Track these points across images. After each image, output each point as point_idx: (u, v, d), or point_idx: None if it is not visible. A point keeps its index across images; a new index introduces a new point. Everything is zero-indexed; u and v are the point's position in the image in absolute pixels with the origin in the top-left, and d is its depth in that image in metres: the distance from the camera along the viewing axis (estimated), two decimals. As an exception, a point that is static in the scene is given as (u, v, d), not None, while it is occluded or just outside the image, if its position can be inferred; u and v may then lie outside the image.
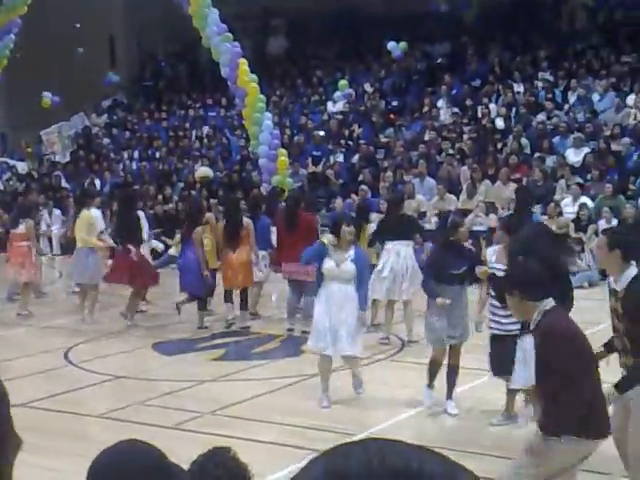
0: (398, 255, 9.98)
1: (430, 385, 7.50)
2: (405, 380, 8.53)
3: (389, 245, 10.09)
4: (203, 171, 19.10)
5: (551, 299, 4.56)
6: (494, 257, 7.10)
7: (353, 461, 0.83)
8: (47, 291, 14.15)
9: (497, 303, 6.69)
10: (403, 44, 21.17)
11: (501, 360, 6.88)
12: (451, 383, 7.41)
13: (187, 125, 23.23)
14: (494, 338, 6.98)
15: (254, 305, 11.70)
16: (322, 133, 19.76)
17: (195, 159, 20.74)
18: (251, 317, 11.49)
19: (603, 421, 4.44)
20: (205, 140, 22.11)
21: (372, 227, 11.48)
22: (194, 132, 22.73)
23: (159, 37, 27.02)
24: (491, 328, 7.00)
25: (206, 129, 22.55)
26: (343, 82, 21.37)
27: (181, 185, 19.57)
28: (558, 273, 4.92)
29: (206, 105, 24.02)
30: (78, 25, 24.45)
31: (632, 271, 4.96)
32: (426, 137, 18.74)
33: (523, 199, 9.32)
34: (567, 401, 4.35)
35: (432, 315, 7.33)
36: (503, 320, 6.80)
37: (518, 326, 6.57)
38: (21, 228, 12.32)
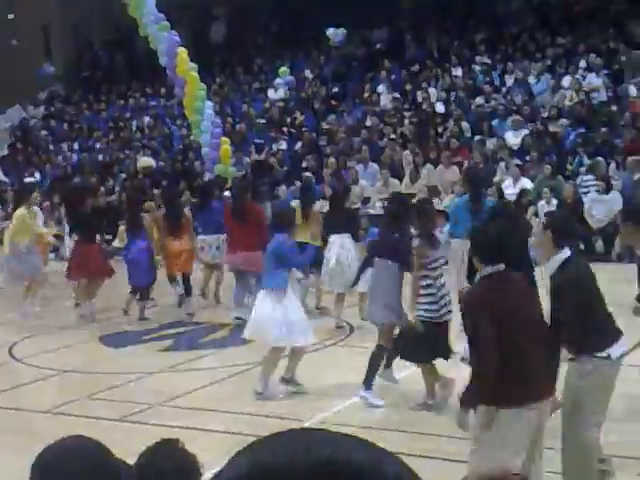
0: (342, 247, 10.11)
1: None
2: (354, 364, 8.58)
3: (332, 238, 10.23)
4: (145, 161, 18.93)
5: (500, 265, 4.56)
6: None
7: (279, 453, 0.82)
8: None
9: (423, 291, 6.78)
10: (342, 30, 21.20)
11: (417, 346, 6.86)
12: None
13: (127, 115, 22.96)
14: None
15: (217, 290, 11.98)
16: (263, 121, 19.73)
17: (137, 149, 20.52)
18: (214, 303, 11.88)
19: (531, 387, 4.45)
20: (146, 130, 21.88)
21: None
22: (134, 122, 22.48)
23: (95, 26, 26.60)
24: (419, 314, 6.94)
25: (147, 119, 22.30)
26: (283, 69, 21.33)
27: (123, 176, 19.36)
28: (513, 241, 4.96)
29: (146, 95, 23.75)
30: (12, 16, 23.92)
31: (562, 255, 4.94)
32: (368, 123, 18.83)
33: (475, 178, 9.42)
34: (485, 372, 4.39)
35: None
36: (427, 307, 6.86)
37: (442, 312, 6.71)
38: None
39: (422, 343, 6.79)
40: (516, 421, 4.42)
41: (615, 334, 4.93)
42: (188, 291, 11.46)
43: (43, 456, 1.90)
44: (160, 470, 2.68)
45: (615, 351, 4.85)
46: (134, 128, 22.22)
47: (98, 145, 21.83)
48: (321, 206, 15.89)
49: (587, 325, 4.72)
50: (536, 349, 4.46)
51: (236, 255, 10.53)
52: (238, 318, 10.46)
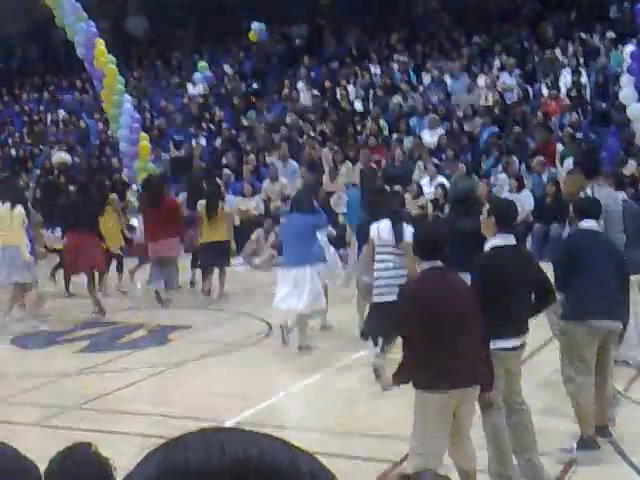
0: None
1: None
2: (271, 365, 8.64)
3: None
4: (60, 156, 18.52)
5: (436, 261, 4.76)
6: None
7: (191, 453, 0.81)
8: None
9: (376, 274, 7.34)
10: (262, 25, 21.16)
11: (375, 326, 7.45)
12: None
13: (41, 108, 22.44)
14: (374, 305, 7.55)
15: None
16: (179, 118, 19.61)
17: (51, 144, 20.09)
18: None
19: (448, 374, 4.63)
20: (61, 124, 21.43)
21: (226, 207, 12.06)
22: (49, 116, 21.98)
23: (10, 17, 25.86)
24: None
25: (62, 113, 21.84)
26: (202, 64, 21.18)
27: (37, 171, 18.93)
28: (447, 238, 5.12)
29: (61, 88, 23.25)
30: None
31: (494, 241, 5.22)
32: (287, 120, 18.85)
33: (367, 180, 9.89)
34: (408, 356, 4.65)
35: None
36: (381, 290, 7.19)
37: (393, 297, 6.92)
38: None
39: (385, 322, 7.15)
40: (439, 406, 4.62)
41: (502, 328, 5.08)
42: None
43: None
44: (72, 475, 2.65)
45: (494, 344, 5.04)
46: (49, 122, 21.73)
47: (10, 140, 21.28)
48: (238, 202, 15.92)
49: (486, 313, 4.89)
50: (463, 341, 4.64)
51: (155, 244, 11.23)
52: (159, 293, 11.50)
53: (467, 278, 5.13)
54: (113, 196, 12.66)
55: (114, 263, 12.64)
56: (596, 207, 6.01)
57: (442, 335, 4.60)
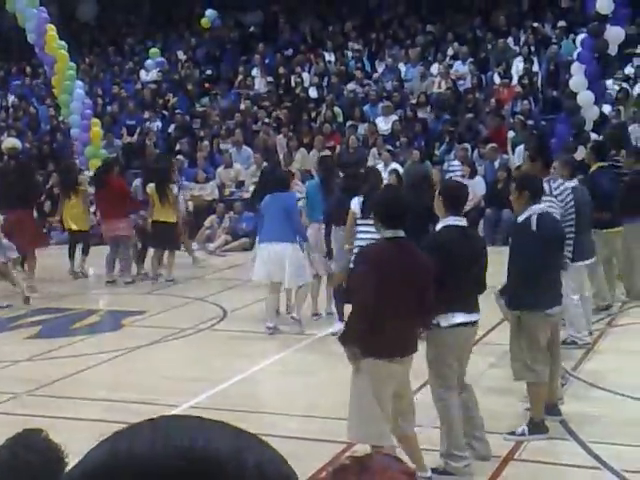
0: None
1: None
2: (227, 349, 8.64)
3: None
4: (11, 142, 18.15)
5: (397, 230, 4.83)
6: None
7: (138, 441, 0.81)
8: None
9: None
10: (215, 13, 21.01)
11: None
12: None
13: (-10, 94, 22.04)
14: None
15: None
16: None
17: (1, 130, 19.73)
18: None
19: (393, 343, 4.74)
20: (11, 110, 21.07)
21: (175, 190, 12.08)
22: (-2, 101, 21.60)
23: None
24: None
25: (11, 98, 21.47)
26: (154, 50, 20.98)
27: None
28: (410, 209, 5.19)
29: (10, 73, 22.85)
30: None
31: (445, 221, 5.33)
32: (242, 106, 18.79)
33: (327, 167, 9.91)
34: (359, 321, 4.73)
35: None
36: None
37: None
38: None
39: None
40: (380, 373, 4.71)
41: (453, 304, 5.17)
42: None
43: None
44: (23, 462, 2.62)
45: (445, 320, 5.14)
46: (-2, 107, 21.36)
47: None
48: (192, 188, 15.83)
49: (441, 290, 4.95)
50: (415, 312, 4.76)
51: (106, 224, 11.86)
52: (111, 282, 11.86)
53: None
54: (83, 178, 12.67)
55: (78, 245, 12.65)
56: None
57: (392, 302, 4.67)
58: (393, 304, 4.69)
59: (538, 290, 5.64)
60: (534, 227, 5.63)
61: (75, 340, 9.15)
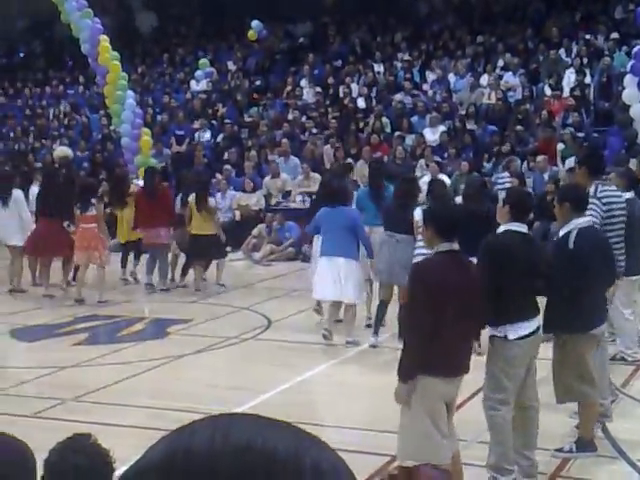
0: None
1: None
2: (270, 358, 8.63)
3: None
4: (62, 151, 18.47)
5: (452, 244, 4.72)
6: None
7: (197, 438, 0.81)
8: None
9: None
10: (261, 24, 21.17)
11: None
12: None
13: (44, 103, 22.44)
14: None
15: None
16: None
17: (53, 138, 20.08)
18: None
19: (449, 361, 4.61)
20: (64, 119, 21.43)
21: (212, 201, 12.16)
22: (52, 111, 21.99)
23: (12, 12, 25.87)
24: None
25: (64, 106, 21.85)
26: (203, 61, 21.20)
27: (39, 165, 18.91)
28: (462, 221, 5.10)
29: (64, 83, 23.26)
30: None
31: (506, 227, 5.19)
32: (289, 116, 18.85)
33: (376, 173, 9.89)
34: (410, 341, 4.61)
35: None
36: None
37: None
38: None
39: None
40: (435, 392, 4.58)
41: (517, 314, 5.04)
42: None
43: None
44: (72, 465, 2.64)
45: (512, 333, 5.00)
46: (51, 117, 21.73)
47: (12, 134, 21.28)
48: (239, 198, 15.94)
49: (496, 302, 4.83)
50: (466, 328, 4.64)
51: (149, 231, 11.80)
52: (149, 284, 12.00)
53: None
54: (134, 187, 12.82)
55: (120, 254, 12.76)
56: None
57: (448, 320, 4.53)
58: (450, 320, 4.54)
59: (581, 311, 5.43)
60: (571, 245, 5.43)
61: (121, 347, 9.23)
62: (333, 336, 8.84)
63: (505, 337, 4.99)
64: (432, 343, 4.50)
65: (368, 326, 9.32)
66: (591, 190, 6.29)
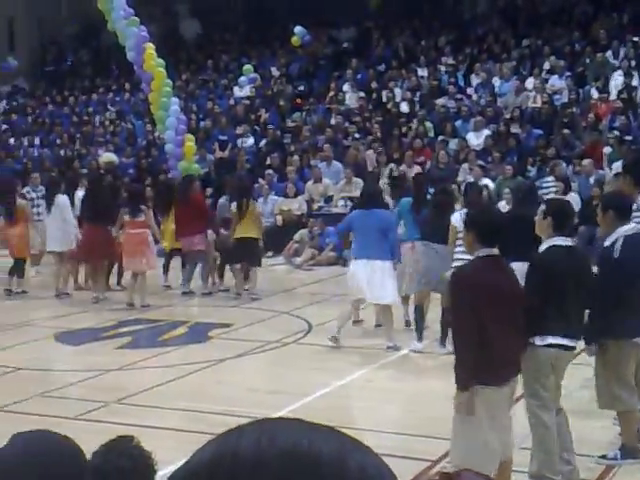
0: None
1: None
2: (311, 363, 8.62)
3: None
4: (108, 157, 18.73)
5: (492, 249, 4.69)
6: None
7: (243, 441, 0.82)
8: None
9: None
10: (304, 30, 21.20)
11: None
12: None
13: (90, 110, 22.75)
14: None
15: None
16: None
17: (99, 145, 20.35)
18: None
19: (497, 369, 4.57)
20: (109, 125, 21.71)
21: (257, 205, 12.45)
22: (97, 117, 22.29)
23: (61, 20, 26.31)
24: None
25: (110, 114, 22.12)
26: (247, 67, 21.29)
27: (85, 171, 19.17)
28: (506, 227, 5.04)
29: (110, 90, 23.56)
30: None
31: (552, 241, 5.11)
32: (332, 121, 18.85)
33: (420, 186, 9.83)
34: (462, 352, 4.56)
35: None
36: None
37: None
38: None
39: None
40: (493, 399, 4.56)
41: (553, 325, 4.99)
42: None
43: (17, 450, 1.89)
44: (115, 467, 2.67)
45: (540, 339, 4.95)
46: (97, 123, 22.03)
47: (59, 140, 21.61)
48: (281, 203, 15.96)
49: (542, 310, 4.77)
50: (509, 334, 4.59)
51: (185, 239, 11.97)
52: (188, 292, 12.17)
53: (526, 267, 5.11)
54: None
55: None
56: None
57: (491, 324, 4.51)
58: (494, 325, 4.51)
59: (625, 318, 5.38)
60: (617, 254, 5.35)
61: (163, 351, 9.29)
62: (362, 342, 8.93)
63: (533, 342, 4.96)
64: (480, 351, 4.47)
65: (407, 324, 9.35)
66: (638, 200, 6.14)
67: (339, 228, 9.94)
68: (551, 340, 4.96)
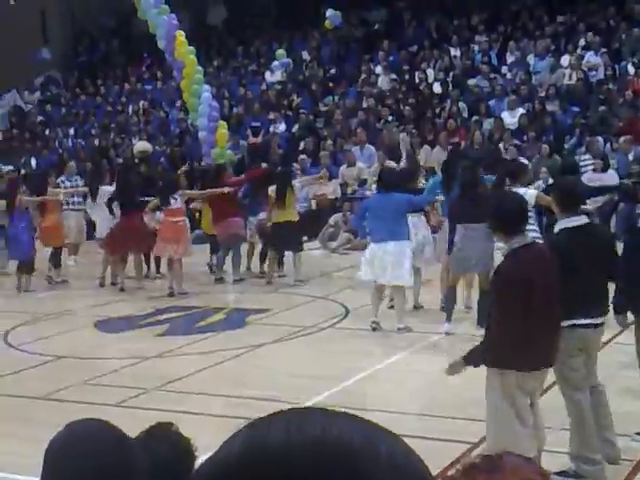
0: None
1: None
2: (349, 347, 8.61)
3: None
4: (142, 145, 18.82)
5: (524, 237, 4.67)
6: None
7: (272, 431, 0.83)
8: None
9: None
10: (337, 13, 21.03)
11: None
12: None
13: (123, 100, 22.87)
14: None
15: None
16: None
17: (133, 134, 20.45)
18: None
19: (533, 355, 4.54)
20: (142, 114, 21.80)
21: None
22: (131, 107, 22.39)
23: (93, 11, 26.43)
24: None
25: (143, 103, 22.22)
26: (280, 51, 21.18)
27: (120, 161, 19.29)
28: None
29: (142, 79, 23.65)
30: (13, 2, 23.69)
31: (568, 221, 5.05)
32: (364, 104, 18.74)
33: (452, 162, 9.77)
34: (496, 335, 4.53)
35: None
36: None
37: None
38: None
39: None
40: (518, 385, 4.53)
41: (576, 307, 4.94)
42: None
43: (64, 439, 1.91)
44: (154, 453, 2.68)
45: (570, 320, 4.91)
46: (130, 112, 22.13)
47: (93, 130, 21.76)
48: (316, 188, 15.86)
49: (566, 292, 4.73)
50: (548, 321, 4.57)
51: (224, 223, 11.97)
52: (220, 278, 12.28)
53: None
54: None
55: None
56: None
57: (532, 312, 4.48)
58: (534, 313, 4.49)
59: None
60: None
61: (202, 337, 9.33)
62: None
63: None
64: (517, 337, 4.44)
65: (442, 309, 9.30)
66: None
67: (354, 224, 10.05)
68: (575, 321, 4.94)
